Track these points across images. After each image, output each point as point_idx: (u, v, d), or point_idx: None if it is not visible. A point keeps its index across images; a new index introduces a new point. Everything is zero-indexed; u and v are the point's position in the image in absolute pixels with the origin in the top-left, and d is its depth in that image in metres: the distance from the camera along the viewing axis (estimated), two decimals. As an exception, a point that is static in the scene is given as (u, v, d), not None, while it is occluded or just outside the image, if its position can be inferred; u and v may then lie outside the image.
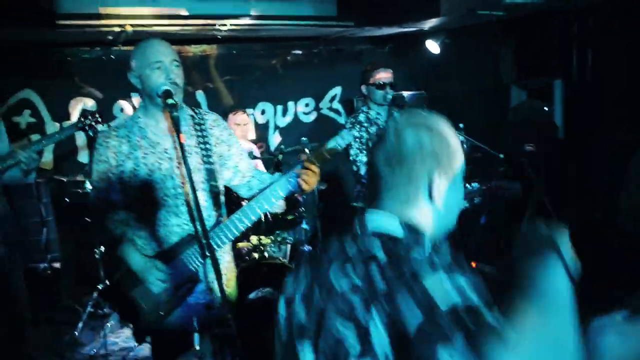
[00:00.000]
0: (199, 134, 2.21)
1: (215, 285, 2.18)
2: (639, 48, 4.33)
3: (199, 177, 2.15)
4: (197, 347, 2.03)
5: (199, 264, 2.14)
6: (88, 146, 4.51)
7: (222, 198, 2.28)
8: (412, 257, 0.99)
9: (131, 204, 2.16)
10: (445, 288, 0.92)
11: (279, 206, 2.24)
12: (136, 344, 3.13)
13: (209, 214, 2.20)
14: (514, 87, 5.08)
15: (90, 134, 2.92)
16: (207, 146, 2.20)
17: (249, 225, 2.15)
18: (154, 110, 2.15)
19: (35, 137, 4.13)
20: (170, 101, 1.98)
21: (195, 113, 2.26)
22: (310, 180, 2.08)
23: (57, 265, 3.99)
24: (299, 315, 1.14)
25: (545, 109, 4.77)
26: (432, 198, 1.09)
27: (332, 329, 1.03)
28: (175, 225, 2.15)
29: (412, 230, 1.07)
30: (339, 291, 1.04)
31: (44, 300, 4.09)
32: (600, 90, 4.70)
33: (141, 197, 2.13)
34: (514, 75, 5.42)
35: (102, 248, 3.64)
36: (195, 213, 2.10)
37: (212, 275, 2.17)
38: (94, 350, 3.71)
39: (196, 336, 2.05)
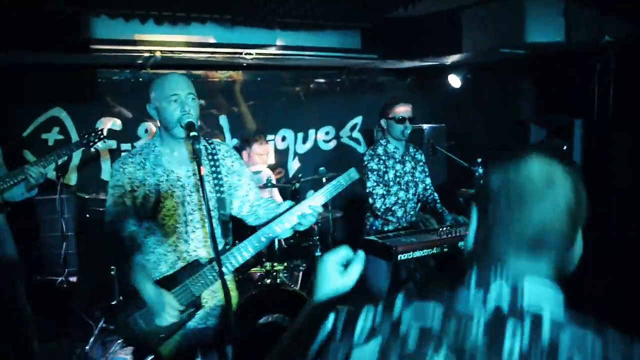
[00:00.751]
0: (212, 163, 2.30)
1: (217, 312, 2.30)
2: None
3: (210, 206, 2.21)
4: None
5: (202, 289, 2.20)
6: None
7: (230, 225, 2.35)
8: None
9: (144, 230, 2.23)
10: None
11: (284, 235, 2.28)
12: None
13: (218, 241, 2.27)
14: (534, 124, 5.08)
15: (93, 150, 3.08)
16: (219, 176, 2.29)
17: (255, 253, 2.22)
18: (169, 139, 2.24)
19: (30, 157, 4.26)
20: (193, 133, 2.07)
21: (209, 144, 2.35)
22: (310, 219, 2.20)
23: (73, 279, 4.07)
24: None
25: (565, 147, 4.77)
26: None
27: None
28: (185, 252, 2.23)
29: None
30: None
31: (59, 313, 4.17)
32: (621, 131, 4.69)
33: (153, 224, 2.21)
34: (535, 112, 5.45)
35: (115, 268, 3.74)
36: (210, 240, 2.20)
37: (214, 303, 2.29)
38: (105, 366, 3.76)
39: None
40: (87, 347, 4.01)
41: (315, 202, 2.22)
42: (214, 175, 2.28)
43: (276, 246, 3.79)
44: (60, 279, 4.23)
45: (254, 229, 2.32)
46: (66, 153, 3.18)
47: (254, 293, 3.53)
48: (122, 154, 4.02)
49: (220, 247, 2.26)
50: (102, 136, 3.22)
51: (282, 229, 2.20)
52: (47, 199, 4.41)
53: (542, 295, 0.90)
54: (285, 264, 3.87)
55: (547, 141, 5.01)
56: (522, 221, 0.92)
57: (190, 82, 2.24)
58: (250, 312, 3.52)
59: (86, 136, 3.20)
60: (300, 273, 4.18)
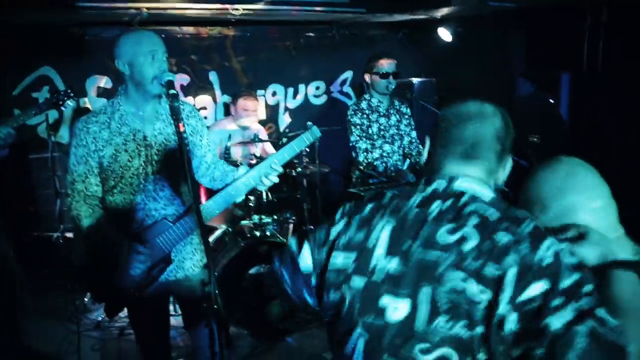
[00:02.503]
0: (176, 123, 2.32)
1: (188, 264, 2.41)
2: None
3: (177, 165, 2.26)
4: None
5: (172, 246, 2.27)
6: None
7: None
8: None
9: (110, 188, 2.26)
10: None
11: (240, 196, 2.39)
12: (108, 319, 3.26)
13: (185, 200, 2.36)
14: (522, 78, 5.09)
15: (62, 109, 3.14)
16: (184, 135, 2.31)
17: (220, 211, 2.32)
18: (136, 97, 2.25)
19: (16, 111, 4.28)
20: (172, 91, 2.05)
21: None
22: (268, 181, 2.31)
23: (69, 235, 4.18)
24: (383, 265, 1.23)
25: (551, 101, 4.80)
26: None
27: (451, 281, 1.13)
28: (153, 210, 2.29)
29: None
30: (449, 246, 1.16)
31: (57, 268, 4.31)
32: (608, 85, 4.71)
33: (120, 182, 2.24)
34: (525, 66, 5.45)
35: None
36: (177, 198, 2.34)
37: (182, 255, 2.39)
38: (102, 316, 3.92)
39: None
40: (85, 299, 4.17)
41: (275, 164, 2.30)
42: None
43: (264, 199, 3.88)
44: (56, 234, 4.34)
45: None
46: (35, 113, 3.19)
47: (243, 245, 3.64)
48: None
49: (187, 206, 2.35)
50: (71, 95, 3.26)
51: (241, 190, 2.30)
52: (40, 157, 4.48)
53: (469, 185, 1.25)
54: (275, 216, 3.98)
55: (535, 95, 5.03)
56: (456, 138, 1.30)
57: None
58: (240, 264, 3.64)
59: (55, 95, 3.25)
60: (290, 225, 4.29)
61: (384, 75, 3.58)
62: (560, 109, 4.79)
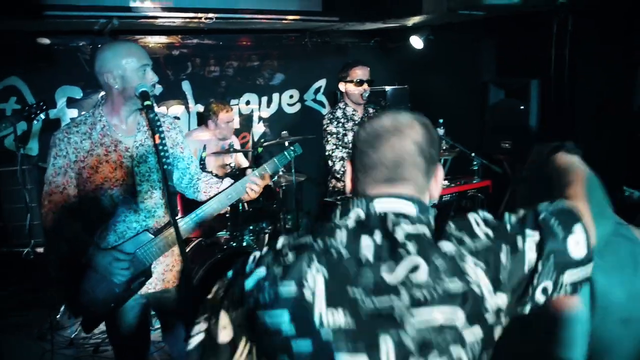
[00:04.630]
0: (158, 134, 2.32)
1: (169, 276, 2.39)
2: (615, 51, 4.46)
3: (157, 177, 2.28)
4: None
5: (152, 259, 2.26)
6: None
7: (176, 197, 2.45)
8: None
9: (90, 200, 2.22)
10: None
11: (225, 207, 2.46)
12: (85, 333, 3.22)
13: (165, 212, 2.35)
14: (493, 85, 5.19)
15: (35, 122, 3.10)
16: (165, 147, 2.30)
17: (200, 224, 2.35)
18: (121, 109, 2.24)
19: None
20: (147, 102, 2.07)
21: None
22: (254, 193, 2.39)
23: (40, 250, 4.08)
24: (330, 321, 1.04)
25: (522, 107, 4.90)
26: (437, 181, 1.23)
27: (416, 320, 1.03)
28: (134, 222, 2.27)
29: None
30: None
31: (27, 284, 4.20)
32: (575, 91, 4.84)
33: (101, 194, 2.22)
34: (495, 73, 5.56)
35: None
36: (158, 210, 2.34)
37: (162, 268, 2.37)
38: (75, 333, 3.83)
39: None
40: (57, 316, 4.07)
41: (257, 180, 2.39)
42: (160, 147, 2.30)
43: (240, 210, 3.86)
44: (26, 250, 4.23)
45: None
46: (5, 126, 3.15)
47: (219, 257, 3.61)
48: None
49: (167, 218, 2.34)
50: (43, 107, 3.22)
51: (225, 203, 2.36)
52: (8, 170, 4.37)
53: (388, 205, 1.11)
54: (251, 227, 3.95)
55: (506, 102, 5.13)
56: (374, 162, 1.15)
57: None
58: (216, 276, 3.60)
59: (27, 108, 3.20)
60: (266, 236, 4.27)
61: (359, 84, 3.60)
62: (530, 115, 4.88)
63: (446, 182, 3.30)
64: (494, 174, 3.43)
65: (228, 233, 3.84)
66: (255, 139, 5.76)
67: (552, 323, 1.33)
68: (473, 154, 3.36)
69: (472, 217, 1.12)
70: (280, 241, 1.14)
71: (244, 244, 3.79)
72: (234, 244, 3.76)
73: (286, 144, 4.06)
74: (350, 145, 3.59)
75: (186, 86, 5.36)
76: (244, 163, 4.74)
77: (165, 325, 2.57)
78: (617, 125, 4.33)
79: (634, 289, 1.34)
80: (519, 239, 1.08)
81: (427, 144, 1.16)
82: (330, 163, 3.59)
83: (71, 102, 4.80)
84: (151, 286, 2.34)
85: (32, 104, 3.22)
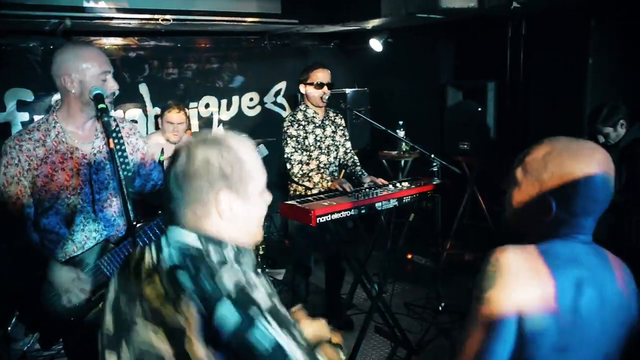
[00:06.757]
0: (117, 141, 2.24)
1: None
2: (567, 54, 4.61)
3: (117, 183, 2.20)
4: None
5: (114, 269, 2.16)
6: None
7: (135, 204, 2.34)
8: (210, 263, 1.11)
9: (45, 209, 2.13)
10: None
11: None
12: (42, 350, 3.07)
13: (124, 220, 2.25)
14: (451, 87, 5.28)
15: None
16: (124, 154, 2.23)
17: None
18: (77, 115, 2.15)
19: None
20: (101, 106, 2.00)
21: (113, 121, 2.28)
22: None
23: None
24: (108, 324, 1.21)
25: (479, 109, 5.00)
26: (219, 213, 1.16)
27: (139, 333, 1.11)
28: (93, 231, 2.19)
29: (211, 240, 1.15)
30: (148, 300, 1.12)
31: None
32: (529, 92, 4.98)
33: (56, 203, 2.12)
34: (453, 76, 5.66)
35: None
36: (118, 219, 2.25)
37: None
38: (27, 346, 3.68)
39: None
40: (9, 329, 3.90)
41: None
42: (120, 153, 2.23)
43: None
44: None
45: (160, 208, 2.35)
46: None
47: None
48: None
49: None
50: None
51: None
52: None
53: (172, 237, 1.16)
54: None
55: (464, 104, 5.22)
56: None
57: None
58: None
59: None
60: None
61: (319, 86, 3.59)
62: (487, 116, 4.99)
63: (406, 184, 3.32)
64: (452, 175, 3.47)
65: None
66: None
67: None
68: (432, 155, 3.39)
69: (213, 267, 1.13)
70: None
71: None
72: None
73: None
74: (311, 147, 3.59)
75: (143, 89, 5.25)
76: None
77: None
78: (569, 126, 4.46)
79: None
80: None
81: (189, 175, 1.16)
82: (288, 166, 3.57)
83: (22, 105, 4.63)
84: None
85: None
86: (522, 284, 1.19)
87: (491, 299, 1.19)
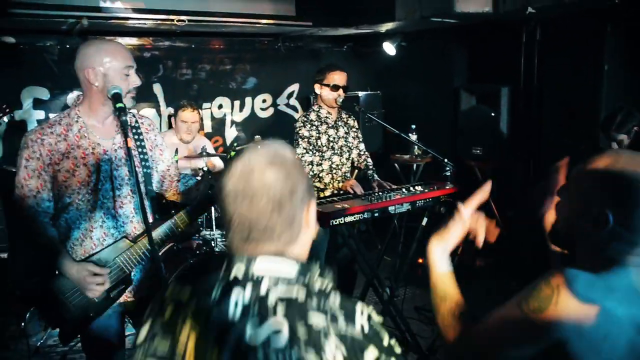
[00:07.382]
0: (136, 137, 2.24)
1: (147, 284, 2.29)
2: (582, 60, 4.58)
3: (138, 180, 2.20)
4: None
5: (133, 266, 2.17)
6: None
7: (156, 201, 2.34)
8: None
9: (66, 205, 2.12)
10: None
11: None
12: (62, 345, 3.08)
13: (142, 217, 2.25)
14: (464, 92, 5.26)
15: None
16: (144, 150, 2.23)
17: (183, 229, 2.22)
18: (99, 110, 2.14)
19: None
20: (119, 105, 1.99)
21: (133, 116, 2.29)
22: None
23: (4, 255, 3.94)
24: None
25: (492, 114, 4.98)
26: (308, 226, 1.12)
27: None
28: (112, 228, 2.18)
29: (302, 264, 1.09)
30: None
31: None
32: (543, 97, 4.95)
33: (78, 198, 2.11)
34: (466, 80, 5.65)
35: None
36: (137, 215, 2.23)
37: (142, 275, 2.27)
38: (40, 341, 3.71)
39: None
40: (23, 324, 3.93)
41: None
42: (139, 149, 2.22)
43: (213, 215, 3.82)
44: (-11, 255, 4.09)
45: (176, 206, 2.34)
46: None
47: (192, 262, 3.55)
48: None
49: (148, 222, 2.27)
50: (7, 110, 3.09)
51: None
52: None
53: (267, 266, 1.05)
54: (223, 232, 3.91)
55: (477, 109, 5.21)
56: (235, 219, 1.06)
57: None
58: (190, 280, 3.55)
59: None
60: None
61: (334, 89, 3.59)
62: (500, 121, 4.97)
63: (420, 188, 3.32)
64: (466, 180, 3.47)
65: (201, 238, 3.78)
66: (228, 143, 5.70)
67: None
68: (445, 160, 3.38)
69: (360, 305, 1.06)
70: (168, 290, 1.14)
71: (217, 249, 3.73)
72: (207, 249, 3.70)
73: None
74: (324, 148, 3.60)
75: (157, 89, 5.28)
76: (220, 165, 4.67)
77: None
78: (584, 132, 4.44)
79: None
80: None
81: (288, 189, 1.06)
82: (301, 167, 3.58)
83: (38, 104, 4.67)
84: (130, 295, 2.25)
85: None
86: (573, 319, 1.17)
87: (538, 318, 1.19)
